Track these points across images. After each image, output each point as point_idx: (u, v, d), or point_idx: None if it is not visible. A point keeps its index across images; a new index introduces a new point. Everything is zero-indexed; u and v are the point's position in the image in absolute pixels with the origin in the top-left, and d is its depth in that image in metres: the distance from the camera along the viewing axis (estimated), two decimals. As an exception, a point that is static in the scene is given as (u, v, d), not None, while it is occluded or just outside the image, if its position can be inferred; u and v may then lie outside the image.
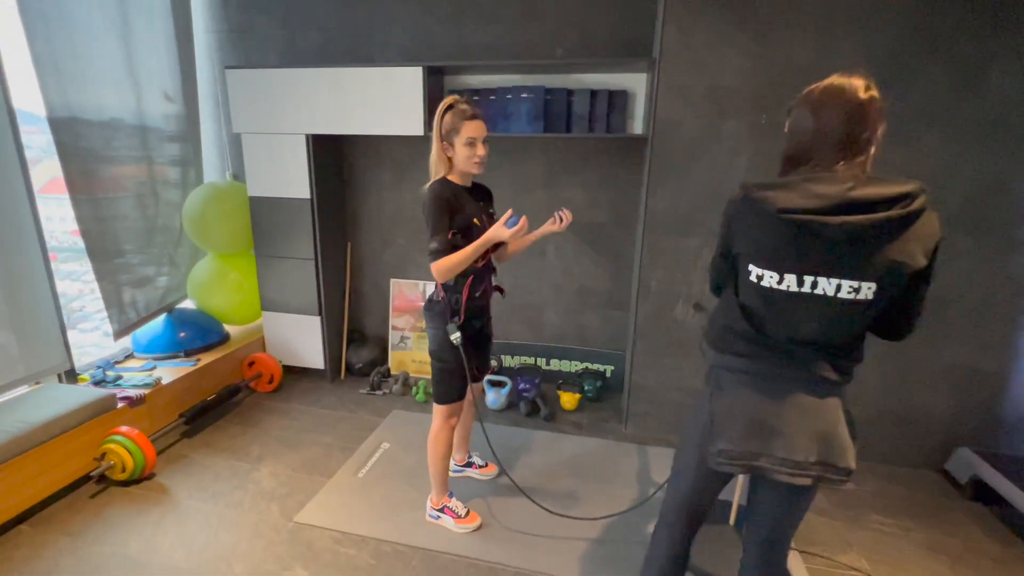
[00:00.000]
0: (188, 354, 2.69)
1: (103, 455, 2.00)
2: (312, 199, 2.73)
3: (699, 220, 2.23)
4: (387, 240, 3.08)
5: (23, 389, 2.16)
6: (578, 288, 2.90)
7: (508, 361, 3.05)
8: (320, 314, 2.90)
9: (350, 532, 1.82)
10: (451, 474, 2.04)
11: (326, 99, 2.56)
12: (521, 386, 2.76)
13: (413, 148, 2.85)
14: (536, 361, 3.03)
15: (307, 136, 2.64)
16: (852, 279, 0.95)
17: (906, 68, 1.92)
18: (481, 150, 1.61)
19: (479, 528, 1.85)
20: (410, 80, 2.44)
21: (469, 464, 2.16)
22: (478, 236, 1.60)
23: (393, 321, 3.12)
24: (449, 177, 1.65)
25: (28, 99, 2.10)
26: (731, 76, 2.06)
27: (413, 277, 3.09)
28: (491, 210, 1.77)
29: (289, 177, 2.72)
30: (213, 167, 3.18)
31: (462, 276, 1.65)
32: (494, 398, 2.73)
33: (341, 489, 2.06)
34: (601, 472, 2.22)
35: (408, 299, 3.10)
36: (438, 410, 1.76)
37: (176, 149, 2.85)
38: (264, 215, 2.81)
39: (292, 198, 2.74)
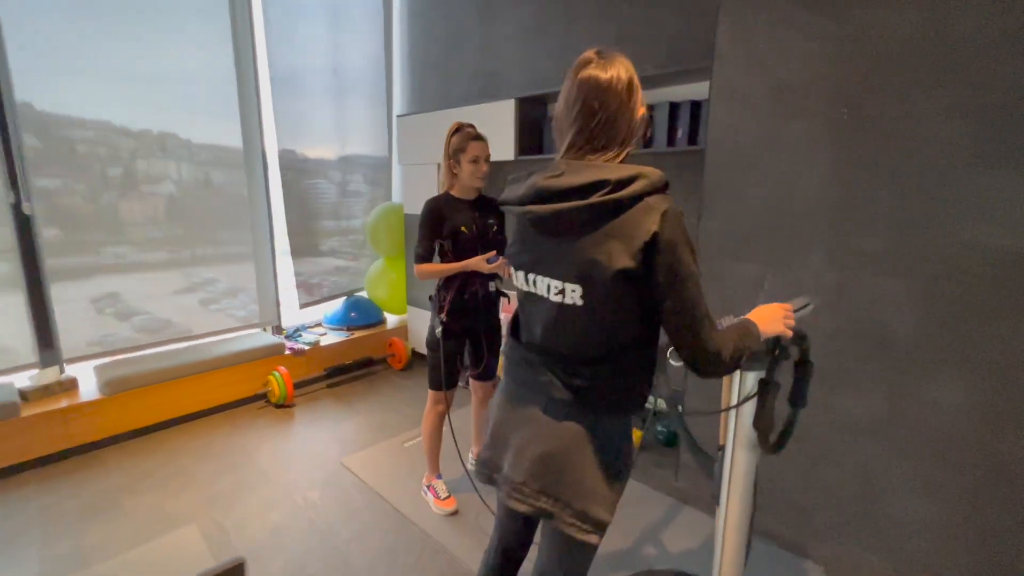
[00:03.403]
0: (350, 329, 3.59)
1: (266, 383, 2.93)
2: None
3: (758, 243, 1.83)
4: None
5: (257, 331, 3.33)
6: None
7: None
8: (440, 312, 3.44)
9: (366, 482, 2.20)
10: (467, 466, 2.22)
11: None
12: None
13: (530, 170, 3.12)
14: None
15: (437, 164, 3.23)
16: (556, 278, 0.83)
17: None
18: (484, 167, 1.82)
19: (454, 514, 1.98)
20: (504, 111, 2.75)
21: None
22: (465, 243, 1.82)
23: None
24: (452, 191, 1.91)
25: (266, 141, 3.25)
26: (800, 67, 1.66)
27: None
28: (491, 220, 1.93)
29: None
30: (393, 191, 4.13)
31: (451, 279, 1.88)
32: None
33: (385, 451, 2.47)
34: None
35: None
36: (429, 395, 1.99)
37: (369, 177, 3.86)
38: (413, 229, 3.53)
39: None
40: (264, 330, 3.39)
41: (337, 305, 3.72)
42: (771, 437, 1.11)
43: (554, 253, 0.84)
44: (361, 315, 3.68)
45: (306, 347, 3.19)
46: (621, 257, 0.77)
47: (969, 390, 1.46)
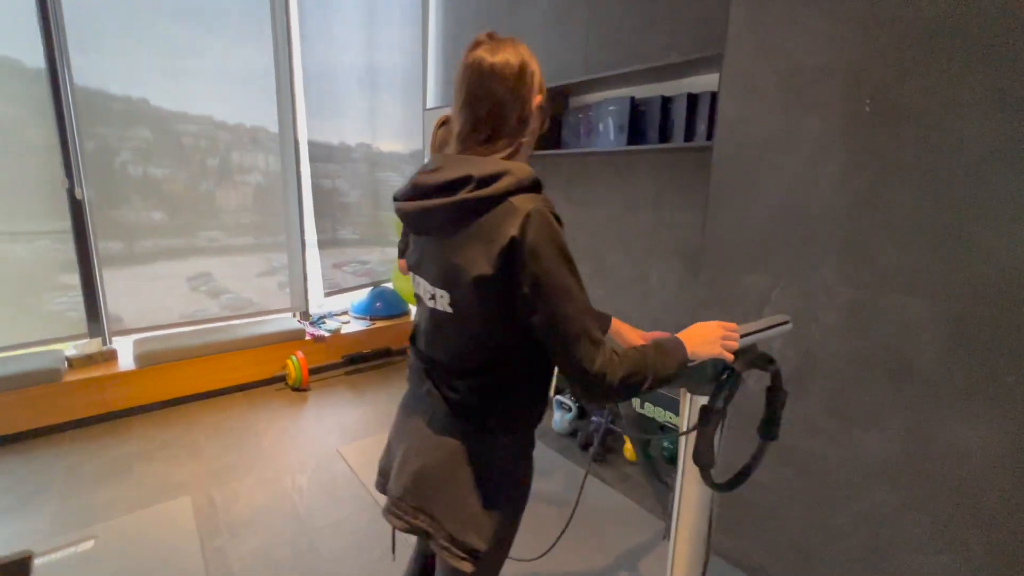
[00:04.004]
0: (373, 319, 3.66)
1: (285, 366, 3.06)
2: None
3: (768, 251, 1.64)
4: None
5: (288, 315, 3.49)
6: (695, 319, 2.45)
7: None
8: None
9: (356, 472, 2.23)
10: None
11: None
12: (594, 418, 2.57)
13: (549, 168, 3.03)
14: (636, 402, 2.71)
15: (461, 159, 3.21)
16: (429, 282, 0.76)
17: None
18: None
19: None
20: (522, 104, 2.66)
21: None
22: None
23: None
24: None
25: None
26: (817, 52, 1.46)
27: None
28: None
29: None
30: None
31: None
32: (559, 420, 2.63)
33: (382, 443, 2.49)
34: (594, 531, 1.91)
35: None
36: None
37: (399, 170, 3.93)
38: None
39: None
40: (294, 315, 3.54)
41: (363, 294, 3.82)
42: (715, 472, 0.98)
43: (428, 254, 0.78)
44: (385, 306, 3.75)
45: (326, 334, 3.29)
46: (480, 263, 0.69)
47: (1001, 432, 1.22)
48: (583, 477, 1.26)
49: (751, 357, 0.97)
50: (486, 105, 0.75)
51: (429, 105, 3.85)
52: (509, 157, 0.76)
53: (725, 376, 0.94)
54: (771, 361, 1.03)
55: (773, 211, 1.60)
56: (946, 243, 1.26)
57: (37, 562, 1.66)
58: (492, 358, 0.76)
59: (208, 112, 2.98)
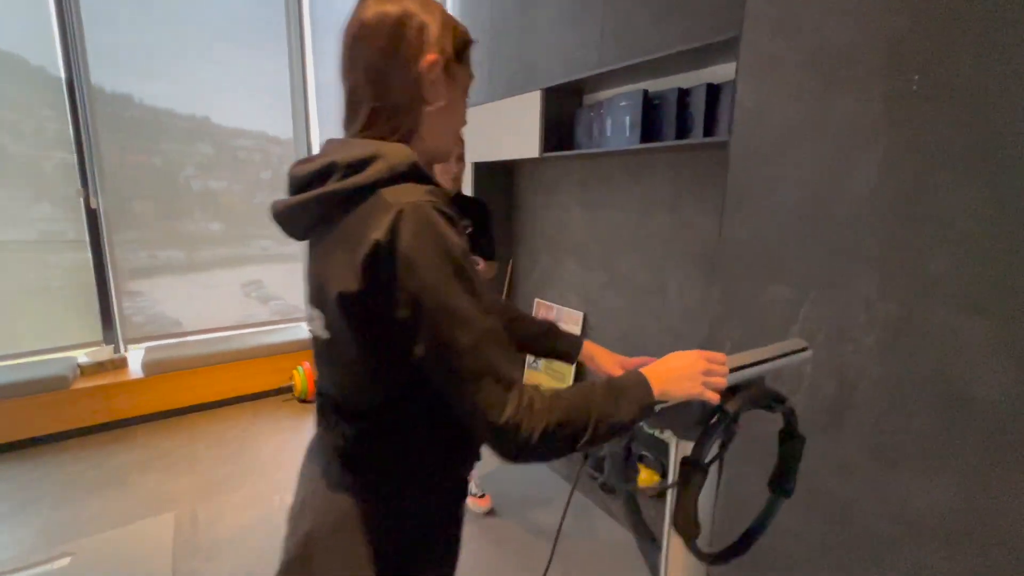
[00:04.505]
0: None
1: (291, 376, 3.00)
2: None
3: (791, 257, 1.40)
4: (535, 259, 3.17)
5: (301, 325, 3.46)
6: (705, 338, 2.21)
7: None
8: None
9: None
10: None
11: (477, 130, 2.93)
12: (606, 440, 2.36)
13: (561, 169, 2.85)
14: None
15: (473, 164, 3.07)
16: (309, 300, 0.61)
17: None
18: (454, 167, 1.64)
19: (489, 512, 1.93)
20: (530, 104, 2.51)
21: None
22: None
23: (531, 338, 3.18)
24: (427, 190, 1.75)
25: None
26: (849, 24, 1.23)
27: (550, 298, 3.06)
28: (464, 222, 1.73)
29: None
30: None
31: None
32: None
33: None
34: (593, 572, 1.70)
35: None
36: None
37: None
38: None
39: (462, 215, 3.27)
40: (305, 324, 3.50)
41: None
42: (699, 540, 0.78)
43: (307, 265, 0.63)
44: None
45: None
46: (343, 275, 0.54)
47: (1096, 498, 0.95)
48: (567, 499, 1.07)
49: (751, 395, 0.77)
50: (358, 73, 0.60)
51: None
52: (403, 138, 0.60)
53: (714, 419, 0.75)
54: (780, 400, 0.83)
55: (800, 210, 1.37)
56: (1013, 248, 1.01)
57: (14, 578, 1.63)
58: (383, 398, 0.60)
59: (262, 128, 3.14)
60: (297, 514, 0.68)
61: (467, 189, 3.12)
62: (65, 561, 1.69)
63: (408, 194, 0.53)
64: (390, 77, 0.58)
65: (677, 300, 2.30)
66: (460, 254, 0.53)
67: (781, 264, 1.43)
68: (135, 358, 2.82)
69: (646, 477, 2.14)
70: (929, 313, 1.14)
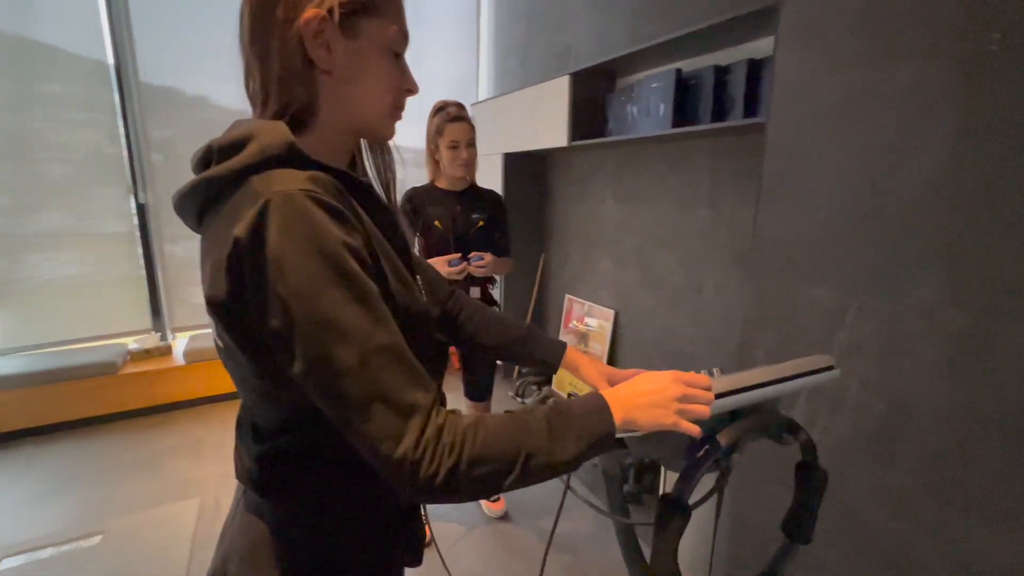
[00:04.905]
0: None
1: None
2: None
3: (835, 255, 1.21)
4: (567, 254, 3.03)
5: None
6: (741, 343, 2.01)
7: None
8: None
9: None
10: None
11: (507, 119, 2.83)
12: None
13: (594, 159, 2.70)
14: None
15: (503, 155, 2.97)
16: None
17: None
18: (464, 153, 1.57)
19: (502, 516, 1.90)
20: (559, 89, 2.37)
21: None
22: (437, 239, 1.60)
23: (562, 336, 3.05)
24: (438, 181, 1.67)
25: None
26: (916, -25, 1.02)
27: (582, 295, 2.92)
28: (476, 215, 1.64)
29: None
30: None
31: None
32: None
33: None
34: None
35: (575, 317, 2.96)
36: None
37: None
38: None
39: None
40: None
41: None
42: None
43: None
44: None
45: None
46: (211, 278, 0.46)
47: None
48: (560, 500, 0.97)
49: (753, 423, 0.64)
50: (244, 41, 0.52)
51: (481, 97, 3.68)
52: (302, 112, 0.51)
53: (703, 451, 0.62)
54: (793, 429, 0.68)
55: (848, 200, 1.18)
56: None
57: (49, 552, 1.72)
58: (285, 416, 0.52)
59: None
60: (224, 529, 0.62)
61: (496, 181, 3.03)
62: (96, 540, 1.77)
63: (280, 182, 0.44)
64: (269, 41, 0.50)
65: (715, 301, 2.10)
66: (343, 254, 0.44)
67: (824, 263, 1.24)
68: (180, 346, 2.95)
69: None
70: (1004, 325, 0.93)
